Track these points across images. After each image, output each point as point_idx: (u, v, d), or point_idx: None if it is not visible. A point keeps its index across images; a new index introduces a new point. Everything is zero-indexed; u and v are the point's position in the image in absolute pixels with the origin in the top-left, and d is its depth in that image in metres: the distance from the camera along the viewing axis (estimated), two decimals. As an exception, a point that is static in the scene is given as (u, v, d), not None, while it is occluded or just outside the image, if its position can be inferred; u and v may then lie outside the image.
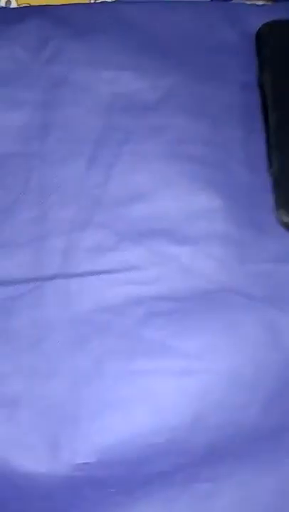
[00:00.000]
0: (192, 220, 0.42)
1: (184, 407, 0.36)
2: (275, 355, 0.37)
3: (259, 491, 0.35)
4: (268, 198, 0.43)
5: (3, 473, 0.34)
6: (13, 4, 0.53)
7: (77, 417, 0.35)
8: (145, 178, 0.43)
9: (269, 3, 0.51)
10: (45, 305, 0.39)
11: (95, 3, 0.52)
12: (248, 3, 0.51)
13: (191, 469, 0.35)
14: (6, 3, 0.53)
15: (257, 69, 0.46)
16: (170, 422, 0.35)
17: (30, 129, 0.44)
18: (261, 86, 0.46)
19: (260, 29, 0.47)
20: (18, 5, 0.53)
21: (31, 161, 0.43)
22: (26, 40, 0.47)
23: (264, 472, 0.36)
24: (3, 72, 0.46)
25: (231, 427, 0.36)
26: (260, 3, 0.51)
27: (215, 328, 0.39)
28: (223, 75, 0.46)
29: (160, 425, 0.35)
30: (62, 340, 0.38)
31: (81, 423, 0.35)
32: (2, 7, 0.53)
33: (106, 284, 0.40)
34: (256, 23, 0.47)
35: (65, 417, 0.35)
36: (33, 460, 0.34)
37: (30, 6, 0.52)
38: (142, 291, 0.40)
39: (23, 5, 0.52)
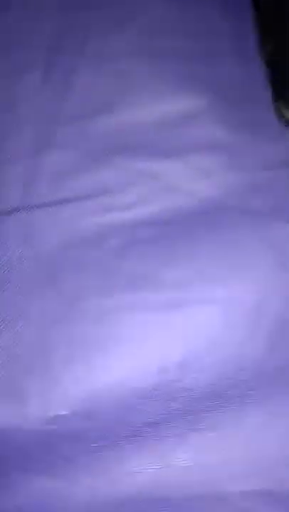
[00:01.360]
0: (172, 127, 0.36)
1: (174, 346, 0.31)
2: (282, 276, 0.32)
3: (267, 441, 0.30)
4: (262, 94, 0.36)
5: None
6: None
7: (47, 364, 0.31)
8: (111, 83, 0.36)
9: None
10: (6, 242, 0.35)
11: None
12: None
13: (186, 418, 0.31)
14: None
15: None
16: (157, 364, 0.30)
17: None
18: None
19: None
20: None
21: None
22: None
23: (273, 418, 0.30)
24: None
25: (232, 366, 0.31)
26: None
27: (208, 252, 0.33)
28: None
29: (145, 367, 0.30)
30: (28, 280, 0.33)
31: (52, 371, 0.31)
32: None
33: (76, 214, 0.35)
34: None
35: (32, 363, 0.31)
36: (0, 415, 0.30)
37: None
38: (119, 218, 0.35)
39: None
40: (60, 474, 0.30)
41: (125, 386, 0.30)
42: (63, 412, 0.30)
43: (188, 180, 0.35)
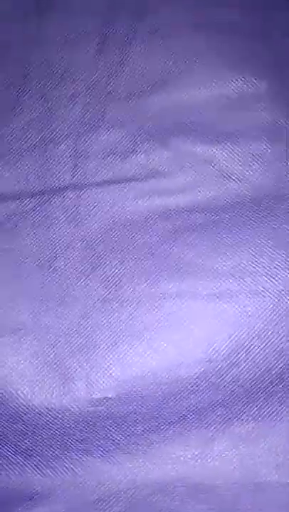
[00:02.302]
0: (228, 110, 0.35)
1: (221, 336, 0.31)
2: None
3: None
4: None
5: (11, 408, 0.31)
6: None
7: (93, 346, 0.31)
8: (166, 59, 0.36)
9: None
10: (54, 222, 0.35)
11: None
12: None
13: (229, 408, 0.31)
14: None
15: None
16: (203, 354, 0.31)
17: (25, 11, 0.38)
18: None
19: None
20: None
21: (30, 49, 0.37)
22: None
23: None
24: None
25: (279, 358, 0.31)
26: None
27: (259, 243, 0.33)
28: None
29: (192, 356, 0.31)
30: (75, 261, 0.34)
31: (97, 354, 0.31)
32: None
33: (125, 195, 0.35)
34: None
35: (78, 347, 0.32)
36: (43, 394, 0.31)
37: None
38: (170, 202, 0.34)
39: None
40: (101, 454, 0.31)
41: (171, 373, 0.31)
42: (109, 395, 0.31)
43: (243, 167, 0.34)
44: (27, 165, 0.36)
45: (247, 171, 0.34)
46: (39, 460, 0.31)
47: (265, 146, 0.34)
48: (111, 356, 0.31)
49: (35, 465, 0.31)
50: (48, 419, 0.31)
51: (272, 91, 0.35)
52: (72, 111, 0.36)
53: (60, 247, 0.34)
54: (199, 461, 0.31)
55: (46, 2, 0.38)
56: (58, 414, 0.31)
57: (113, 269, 0.34)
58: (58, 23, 0.37)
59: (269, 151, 0.34)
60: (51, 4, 0.38)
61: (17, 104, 0.37)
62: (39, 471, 0.31)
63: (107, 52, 0.37)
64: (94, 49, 0.37)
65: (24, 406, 0.31)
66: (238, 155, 0.35)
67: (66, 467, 0.31)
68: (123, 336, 0.32)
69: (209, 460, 0.31)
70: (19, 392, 0.31)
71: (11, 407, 0.31)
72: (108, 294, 0.33)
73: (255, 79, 0.35)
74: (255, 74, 0.35)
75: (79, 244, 0.34)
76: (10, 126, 0.37)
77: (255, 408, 0.31)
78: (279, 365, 0.31)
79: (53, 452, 0.31)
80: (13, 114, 0.37)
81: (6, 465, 0.31)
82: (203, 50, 0.35)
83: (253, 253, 0.32)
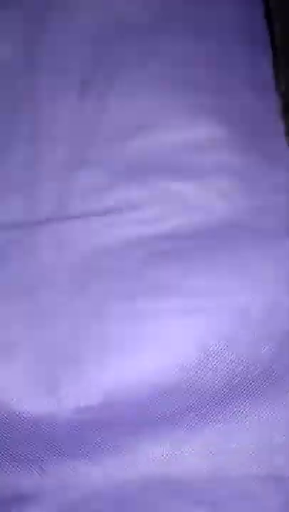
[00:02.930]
0: (194, 152, 0.41)
1: (192, 346, 0.35)
2: (288, 288, 0.36)
3: (275, 432, 0.35)
4: (277, 125, 0.41)
5: (4, 417, 0.34)
6: None
7: (80, 359, 0.35)
8: (141, 109, 0.41)
9: None
10: (39, 251, 0.39)
11: None
12: None
13: (201, 410, 0.35)
14: None
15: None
16: (178, 362, 0.35)
17: (14, 62, 0.43)
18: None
19: None
20: None
21: (18, 97, 0.42)
22: None
23: (280, 412, 0.35)
24: None
25: (243, 365, 0.35)
26: None
27: (222, 266, 0.38)
28: None
29: (167, 365, 0.35)
30: (60, 284, 0.38)
31: (83, 365, 0.35)
32: None
33: (104, 226, 0.39)
34: None
35: (66, 360, 0.35)
36: (34, 403, 0.34)
37: None
38: (143, 232, 0.39)
39: None
40: (88, 457, 0.34)
41: (149, 381, 0.35)
42: (93, 403, 0.34)
43: (207, 200, 0.40)
44: (16, 200, 0.41)
45: (210, 203, 0.39)
46: (30, 465, 0.34)
47: (225, 182, 0.40)
48: (96, 368, 0.35)
49: (26, 469, 0.34)
50: (38, 426, 0.34)
51: (231, 136, 0.41)
52: (57, 153, 0.42)
53: (47, 271, 0.39)
54: (174, 460, 0.35)
55: (35, 56, 0.44)
56: (47, 422, 0.34)
57: (95, 291, 0.38)
58: (43, 75, 0.43)
59: (228, 186, 0.40)
60: (40, 57, 0.43)
61: (5, 147, 0.42)
62: (30, 475, 0.34)
63: (88, 100, 0.42)
64: (75, 100, 0.42)
65: (15, 414, 0.34)
66: (202, 190, 0.40)
67: (55, 470, 0.34)
68: (106, 349, 0.36)
69: (184, 459, 0.35)
70: (10, 400, 0.34)
71: (2, 414, 0.34)
72: (92, 312, 0.37)
73: (217, 127, 0.41)
74: (217, 122, 0.41)
75: (64, 269, 0.39)
76: (1, 167, 0.41)
77: (224, 410, 0.35)
78: (242, 371, 0.35)
79: (43, 457, 0.34)
80: (4, 156, 0.41)
81: None
82: (175, 102, 0.41)
83: (216, 274, 0.37)
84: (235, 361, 0.35)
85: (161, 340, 0.36)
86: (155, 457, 0.34)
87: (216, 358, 0.35)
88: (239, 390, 0.35)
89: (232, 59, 0.43)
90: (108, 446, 0.35)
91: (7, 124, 0.42)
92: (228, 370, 0.35)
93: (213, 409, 0.35)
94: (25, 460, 0.34)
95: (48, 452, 0.34)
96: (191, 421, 0.35)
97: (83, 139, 0.42)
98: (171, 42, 0.43)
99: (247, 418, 0.35)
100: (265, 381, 0.35)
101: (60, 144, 0.42)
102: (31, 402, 0.34)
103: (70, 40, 0.43)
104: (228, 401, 0.35)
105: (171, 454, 0.35)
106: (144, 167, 0.41)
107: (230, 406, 0.35)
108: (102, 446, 0.34)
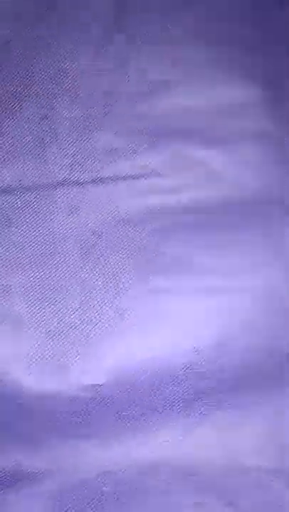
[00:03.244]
0: (223, 116, 0.37)
1: (208, 328, 0.33)
2: None
3: (287, 424, 0.33)
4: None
5: (8, 392, 0.33)
6: None
7: (88, 336, 0.34)
8: (166, 66, 0.38)
9: None
10: (53, 215, 0.37)
11: None
12: None
13: (214, 397, 0.33)
14: None
15: None
16: (190, 345, 0.33)
17: (30, 10, 0.39)
18: None
19: None
20: None
21: (34, 48, 0.39)
22: None
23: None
24: None
25: (262, 351, 0.33)
26: None
27: (248, 242, 0.35)
28: None
29: (180, 347, 0.33)
30: (72, 255, 0.36)
31: (92, 343, 0.33)
32: None
33: (122, 193, 0.37)
34: None
35: (74, 336, 0.34)
36: (39, 379, 0.33)
37: None
38: (164, 201, 0.36)
39: None
40: (93, 437, 0.33)
41: (159, 362, 0.33)
42: (100, 382, 0.33)
43: (234, 170, 0.37)
44: (26, 162, 0.38)
45: (237, 174, 0.36)
46: (32, 443, 0.33)
47: (255, 151, 0.37)
48: (104, 346, 0.34)
49: (28, 448, 0.33)
50: (42, 404, 0.33)
51: (265, 100, 0.37)
52: (73, 111, 0.38)
53: (57, 239, 0.36)
54: (184, 446, 0.33)
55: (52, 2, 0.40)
56: (52, 400, 0.33)
57: (109, 263, 0.36)
58: (60, 26, 0.39)
59: (259, 156, 0.37)
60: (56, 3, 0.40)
61: (18, 103, 0.39)
62: (32, 454, 0.33)
63: (107, 55, 0.39)
64: (93, 53, 0.39)
65: (19, 390, 0.33)
66: (229, 159, 0.37)
67: (59, 449, 0.33)
68: (116, 327, 0.34)
69: (193, 445, 0.33)
70: (15, 376, 0.33)
71: (7, 391, 0.33)
72: (103, 286, 0.35)
73: (250, 88, 0.37)
74: (250, 83, 0.37)
75: (75, 238, 0.36)
76: (10, 125, 0.38)
77: (238, 397, 0.33)
78: (260, 356, 0.33)
79: (46, 435, 0.33)
80: (13, 112, 0.38)
81: None
82: (203, 61, 0.37)
83: (239, 252, 0.35)
84: (255, 345, 0.33)
85: (176, 320, 0.34)
86: (166, 441, 0.33)
87: (233, 342, 0.33)
88: (257, 376, 0.33)
89: (269, 15, 0.38)
90: (114, 427, 0.33)
91: (20, 73, 0.39)
92: (246, 354, 0.33)
93: (228, 395, 0.33)
94: (28, 438, 0.33)
95: (52, 431, 0.33)
96: (204, 405, 0.33)
97: (101, 97, 0.38)
98: None
99: (262, 407, 0.33)
100: (285, 369, 0.33)
101: (76, 100, 0.38)
102: (37, 378, 0.33)
103: None
104: (243, 388, 0.33)
105: (180, 440, 0.33)
106: (167, 130, 0.37)
107: (245, 392, 0.33)
108: (107, 427, 0.33)
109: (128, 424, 0.33)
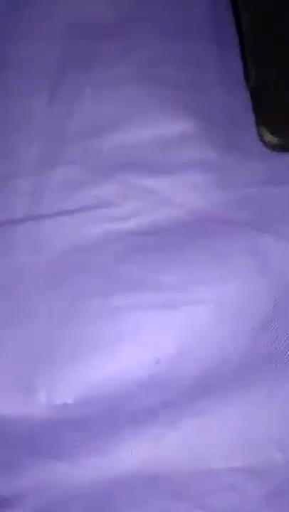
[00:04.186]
0: (168, 148, 0.41)
1: (168, 340, 0.35)
2: (263, 280, 0.37)
3: (251, 424, 0.35)
4: (249, 118, 0.42)
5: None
6: None
7: (54, 357, 0.35)
8: (113, 106, 0.41)
9: None
10: (15, 250, 0.39)
11: None
12: None
13: (177, 405, 0.35)
14: None
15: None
16: (152, 356, 0.35)
17: None
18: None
19: None
20: None
21: None
22: None
23: (255, 404, 0.35)
24: None
25: (219, 358, 0.35)
26: None
27: (198, 259, 0.38)
28: None
29: (142, 360, 0.35)
30: (36, 283, 0.38)
31: (58, 363, 0.35)
32: None
33: (80, 223, 0.39)
34: None
35: (40, 358, 0.35)
36: (8, 403, 0.34)
37: None
38: (119, 228, 0.39)
39: None
40: (65, 457, 0.34)
41: (124, 376, 0.35)
42: (69, 401, 0.34)
43: (180, 195, 0.40)
44: None
45: (183, 198, 0.40)
46: (5, 466, 0.34)
47: (198, 177, 0.40)
48: (71, 366, 0.35)
49: (4, 474, 0.34)
50: (13, 427, 0.34)
51: (203, 131, 0.41)
52: (30, 151, 0.42)
53: (23, 270, 0.38)
54: (154, 455, 0.35)
55: (8, 59, 0.44)
56: (22, 423, 0.34)
57: (71, 288, 0.38)
58: (16, 77, 0.43)
59: (202, 181, 0.40)
60: (13, 60, 0.44)
61: None
62: (5, 477, 0.34)
63: (58, 102, 0.42)
64: (46, 99, 0.42)
65: None
66: (175, 185, 0.40)
67: (32, 472, 0.34)
68: (82, 346, 0.36)
69: (163, 454, 0.35)
70: None
71: None
72: (67, 309, 0.37)
73: (189, 122, 0.41)
74: (189, 118, 0.41)
75: (41, 268, 0.39)
76: None
77: (201, 402, 0.35)
78: (217, 364, 0.36)
79: (20, 458, 0.34)
80: None
81: None
82: (146, 99, 0.41)
83: (192, 269, 0.37)
84: (211, 353, 0.35)
85: (137, 335, 0.36)
86: (134, 454, 0.34)
87: (191, 352, 0.35)
88: (215, 382, 0.35)
89: (200, 57, 0.43)
90: (86, 446, 0.34)
91: None
92: (203, 362, 0.35)
93: (190, 403, 0.35)
94: (1, 461, 0.34)
95: (25, 453, 0.34)
96: (168, 415, 0.35)
97: (55, 137, 0.42)
98: (148, 40, 0.43)
99: (224, 411, 0.35)
100: (241, 373, 0.36)
101: (31, 142, 0.42)
102: (5, 404, 0.34)
103: (36, 43, 0.43)
104: (204, 394, 0.35)
105: (150, 450, 0.35)
106: (118, 164, 0.41)
107: (206, 399, 0.35)
108: (80, 446, 0.34)
109: (98, 441, 0.35)
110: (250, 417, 0.35)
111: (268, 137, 0.41)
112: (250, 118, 0.42)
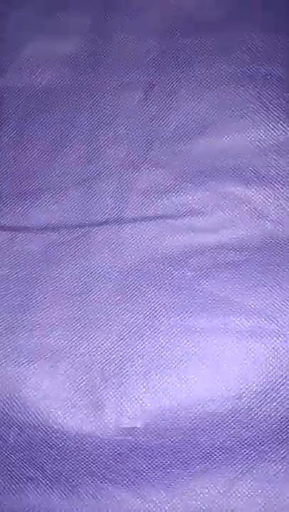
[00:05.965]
0: (266, 155, 0.37)
1: (252, 374, 0.32)
2: None
3: None
4: None
5: (43, 432, 0.32)
6: None
7: (124, 372, 0.32)
8: (210, 107, 0.38)
9: None
10: (94, 253, 0.37)
11: None
12: None
13: (257, 447, 0.31)
14: None
15: None
16: (234, 390, 0.31)
17: (79, 58, 0.41)
18: None
19: None
20: None
21: (80, 94, 0.41)
22: None
23: None
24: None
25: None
26: None
27: (290, 283, 0.34)
28: None
29: (222, 392, 0.31)
30: (112, 291, 0.35)
31: (128, 380, 0.32)
32: None
33: (163, 231, 0.37)
34: None
35: (110, 372, 0.33)
36: (74, 420, 0.32)
37: None
38: (205, 240, 0.36)
39: None
40: (126, 484, 0.31)
41: (201, 407, 0.31)
42: (137, 425, 0.31)
43: (277, 209, 0.36)
44: (72, 199, 0.39)
45: (281, 212, 0.36)
46: (65, 485, 0.32)
47: None
48: (142, 386, 0.32)
49: (60, 490, 0.32)
50: (77, 444, 0.32)
51: None
52: (117, 150, 0.39)
53: (97, 276, 0.36)
54: (224, 499, 0.31)
55: (100, 53, 0.42)
56: (87, 441, 0.32)
57: (148, 301, 0.35)
58: (108, 73, 0.41)
59: None
60: (106, 55, 0.42)
61: (65, 142, 0.40)
62: (64, 496, 0.32)
63: (153, 99, 0.40)
64: (140, 95, 0.40)
65: (55, 430, 0.32)
66: (273, 197, 0.36)
67: (91, 494, 0.32)
68: (155, 366, 0.33)
69: (234, 499, 0.31)
70: (52, 416, 0.32)
71: (43, 430, 0.32)
72: (142, 324, 0.34)
73: None
74: None
75: (116, 275, 0.36)
76: (58, 162, 0.40)
77: (284, 449, 0.31)
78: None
79: (79, 478, 0.32)
80: (61, 152, 0.40)
81: (33, 488, 0.32)
82: (247, 100, 0.38)
83: (284, 294, 0.33)
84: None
85: (218, 363, 0.32)
86: (202, 494, 0.31)
87: (279, 389, 0.31)
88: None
89: None
90: (150, 475, 0.31)
91: (66, 123, 0.41)
92: (290, 404, 0.31)
93: (272, 447, 0.31)
94: (61, 479, 0.32)
95: (85, 474, 0.32)
96: (246, 457, 0.31)
97: (146, 138, 0.39)
98: (249, 37, 0.39)
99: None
100: None
101: (119, 141, 0.39)
102: (73, 420, 0.32)
103: (135, 39, 0.41)
104: (288, 439, 0.31)
105: (221, 493, 0.31)
106: (209, 170, 0.37)
107: (291, 445, 0.31)
108: (143, 475, 0.31)
109: (164, 473, 0.31)
110: None
111: None
112: None
